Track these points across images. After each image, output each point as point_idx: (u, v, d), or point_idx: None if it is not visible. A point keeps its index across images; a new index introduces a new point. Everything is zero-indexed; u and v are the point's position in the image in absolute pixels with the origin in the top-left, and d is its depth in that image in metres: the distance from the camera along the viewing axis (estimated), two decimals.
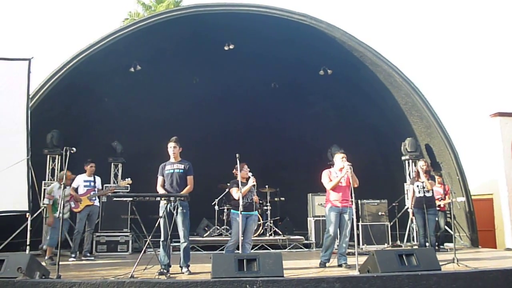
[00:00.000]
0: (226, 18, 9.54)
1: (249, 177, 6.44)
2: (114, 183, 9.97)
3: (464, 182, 9.98)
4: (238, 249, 6.28)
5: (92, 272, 6.01)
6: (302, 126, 12.07)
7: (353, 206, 6.40)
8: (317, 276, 4.62)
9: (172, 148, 6.06)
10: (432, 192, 7.82)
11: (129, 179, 8.56)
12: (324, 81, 10.83)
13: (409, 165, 10.33)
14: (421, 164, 7.92)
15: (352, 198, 6.18)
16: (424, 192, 7.71)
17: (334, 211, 6.51)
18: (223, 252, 6.75)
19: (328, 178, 6.66)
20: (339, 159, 6.65)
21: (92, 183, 8.12)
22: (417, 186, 7.82)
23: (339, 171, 6.64)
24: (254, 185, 6.50)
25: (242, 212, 5.94)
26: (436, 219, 8.23)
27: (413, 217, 8.13)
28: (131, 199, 5.77)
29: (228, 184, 6.82)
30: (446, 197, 9.36)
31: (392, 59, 9.87)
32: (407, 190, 10.10)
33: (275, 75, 11.40)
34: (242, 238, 6.01)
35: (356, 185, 6.20)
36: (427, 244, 7.60)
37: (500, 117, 11.25)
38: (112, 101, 10.34)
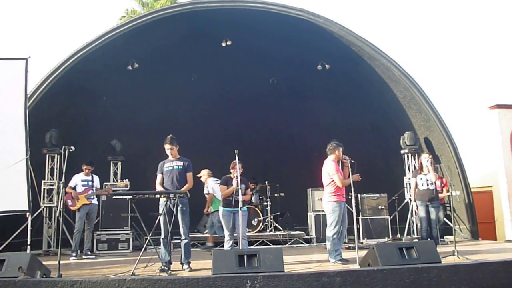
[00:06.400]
0: (223, 14, 9.51)
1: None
2: (113, 181, 9.97)
3: (463, 175, 9.99)
4: (236, 244, 6.35)
5: (93, 271, 6.02)
6: (301, 121, 12.06)
7: (353, 200, 6.40)
8: (318, 271, 4.63)
9: (169, 150, 6.09)
10: (435, 185, 7.81)
11: (127, 180, 8.56)
12: (322, 76, 10.81)
13: (408, 159, 10.33)
14: (425, 156, 7.86)
15: (352, 192, 6.19)
16: (427, 185, 7.69)
17: (343, 205, 6.42)
18: (224, 248, 6.77)
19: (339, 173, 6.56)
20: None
21: (90, 182, 8.10)
22: (421, 179, 7.79)
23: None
24: (246, 183, 6.58)
25: (227, 209, 6.30)
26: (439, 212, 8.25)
27: (416, 210, 8.11)
28: (130, 197, 5.78)
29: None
30: (444, 189, 9.39)
31: (390, 53, 9.89)
32: (407, 183, 10.12)
33: (273, 71, 11.38)
34: (236, 234, 6.18)
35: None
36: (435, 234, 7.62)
37: (498, 109, 11.26)
38: (110, 99, 10.32)
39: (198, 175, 8.62)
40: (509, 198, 10.97)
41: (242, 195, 6.17)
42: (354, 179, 6.10)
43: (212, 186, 8.58)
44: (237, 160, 6.25)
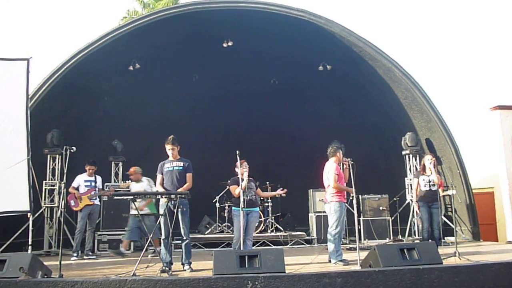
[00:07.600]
0: (225, 15, 9.52)
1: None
2: (115, 181, 9.98)
3: (464, 176, 9.97)
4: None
5: (94, 271, 6.02)
6: (302, 122, 12.05)
7: (354, 201, 6.41)
8: (319, 272, 4.62)
9: (170, 150, 6.08)
10: (437, 186, 7.81)
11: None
12: (324, 76, 10.80)
13: (409, 160, 10.32)
14: (428, 158, 7.87)
15: (353, 193, 6.20)
16: (430, 186, 7.69)
17: (344, 206, 6.47)
18: (225, 249, 6.77)
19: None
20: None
21: (93, 183, 8.11)
22: (423, 179, 7.79)
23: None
24: (255, 182, 6.55)
25: (243, 209, 5.99)
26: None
27: (418, 210, 8.11)
28: (132, 197, 5.78)
29: (229, 182, 6.82)
30: (440, 190, 9.38)
31: (392, 54, 9.87)
32: (408, 184, 10.10)
33: (275, 72, 11.38)
34: (243, 234, 6.03)
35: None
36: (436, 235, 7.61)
37: (500, 110, 11.22)
38: (111, 99, 10.32)
39: (131, 172, 8.12)
40: (511, 199, 10.94)
41: (254, 193, 6.45)
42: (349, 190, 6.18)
43: (148, 186, 7.97)
44: (238, 161, 6.24)
